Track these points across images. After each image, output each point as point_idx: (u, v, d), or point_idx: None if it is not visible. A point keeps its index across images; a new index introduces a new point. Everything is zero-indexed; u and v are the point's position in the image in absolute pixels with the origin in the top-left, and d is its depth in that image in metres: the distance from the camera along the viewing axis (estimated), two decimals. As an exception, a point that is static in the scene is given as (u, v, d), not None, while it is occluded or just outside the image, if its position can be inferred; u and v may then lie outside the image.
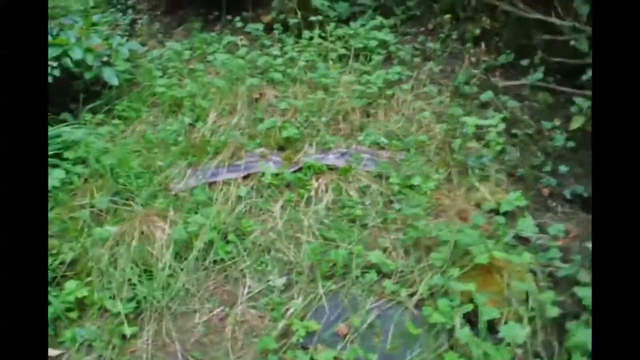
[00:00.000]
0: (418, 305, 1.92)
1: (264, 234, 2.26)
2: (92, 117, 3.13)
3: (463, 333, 1.77)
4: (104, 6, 5.09)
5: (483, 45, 3.76)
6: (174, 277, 2.11)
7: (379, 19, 3.87)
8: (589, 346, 1.68)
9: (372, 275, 2.01)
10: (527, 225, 2.17)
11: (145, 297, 2.04)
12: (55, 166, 2.68)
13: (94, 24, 3.50)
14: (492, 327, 1.82)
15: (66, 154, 2.75)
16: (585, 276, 2.02)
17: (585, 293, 1.84)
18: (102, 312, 2.05)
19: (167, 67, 3.56)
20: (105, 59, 3.31)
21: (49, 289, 2.11)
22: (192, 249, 2.18)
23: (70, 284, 2.08)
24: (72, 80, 3.38)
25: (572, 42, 2.98)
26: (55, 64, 3.03)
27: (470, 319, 1.85)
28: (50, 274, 2.18)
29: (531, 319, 1.86)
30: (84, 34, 3.23)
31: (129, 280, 2.07)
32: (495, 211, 2.29)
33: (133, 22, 4.70)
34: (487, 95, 3.14)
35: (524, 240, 2.22)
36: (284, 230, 2.28)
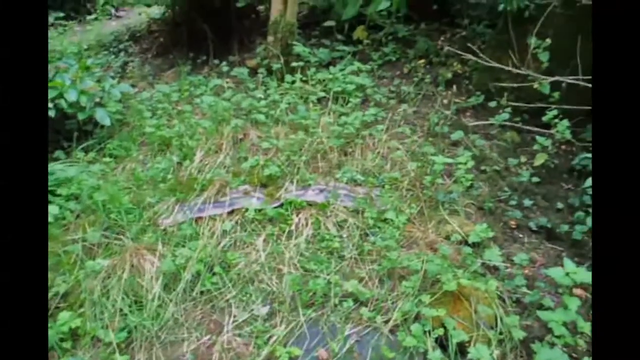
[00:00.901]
0: (393, 331, 2.04)
1: (248, 266, 2.37)
2: (84, 155, 3.25)
3: (435, 356, 1.89)
4: (97, 49, 5.25)
5: (454, 88, 4.00)
6: (163, 308, 2.20)
7: (357, 64, 4.08)
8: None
9: (350, 304, 2.13)
10: (493, 255, 2.32)
11: (136, 327, 2.12)
12: (50, 202, 2.78)
13: (87, 67, 3.65)
14: (462, 350, 1.95)
15: (59, 191, 2.85)
16: (549, 302, 2.17)
17: (548, 317, 1.97)
18: (95, 341, 2.12)
19: (156, 108, 3.70)
20: (97, 100, 3.45)
21: (41, 320, 2.18)
22: (180, 280, 2.28)
23: (63, 315, 2.15)
24: (65, 120, 3.51)
25: (535, 86, 3.23)
26: (51, 105, 3.16)
27: (442, 343, 1.98)
28: (42, 306, 2.25)
29: (500, 342, 1.99)
30: (78, 77, 3.38)
31: (121, 310, 2.15)
32: (464, 242, 2.43)
33: (125, 64, 4.86)
34: (458, 135, 3.34)
35: (491, 269, 2.37)
36: (266, 263, 2.39)
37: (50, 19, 6.30)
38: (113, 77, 4.27)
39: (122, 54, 5.10)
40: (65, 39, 5.52)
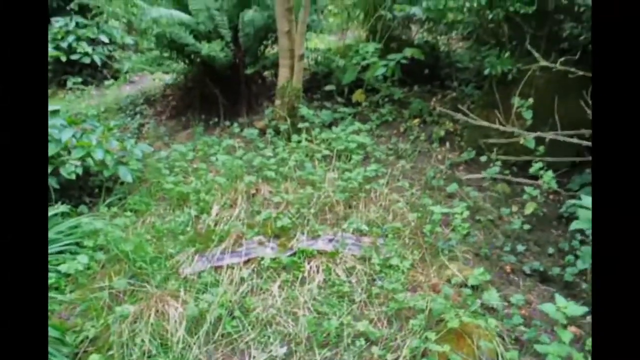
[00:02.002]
0: (402, 368, 2.17)
1: (265, 310, 2.51)
2: (107, 210, 3.43)
3: (441, 389, 2.01)
4: (114, 111, 5.56)
5: (447, 144, 4.27)
6: (188, 350, 2.32)
7: (357, 125, 4.36)
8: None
9: (361, 343, 2.27)
10: (492, 296, 2.48)
11: (161, 368, 2.24)
12: (77, 253, 2.94)
13: (110, 129, 3.90)
14: (466, 384, 2.07)
15: (86, 242, 3.03)
16: (546, 338, 2.31)
17: (545, 349, 2.10)
18: (122, 383, 2.23)
19: (173, 166, 3.92)
20: (120, 158, 3.68)
21: (73, 364, 2.30)
22: (203, 324, 2.41)
23: (93, 357, 2.27)
24: (89, 177, 3.72)
25: (521, 141, 3.48)
26: (78, 163, 3.38)
27: (447, 378, 2.10)
28: (73, 350, 2.37)
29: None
30: (104, 138, 3.62)
31: (148, 352, 2.27)
32: (464, 285, 2.59)
33: (141, 125, 5.14)
34: (453, 187, 3.56)
35: (490, 310, 2.52)
36: (282, 307, 2.53)
37: (69, 84, 6.65)
38: (130, 138, 4.53)
39: (137, 116, 5.39)
40: (83, 102, 5.84)
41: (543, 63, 3.48)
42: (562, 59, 3.43)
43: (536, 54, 3.60)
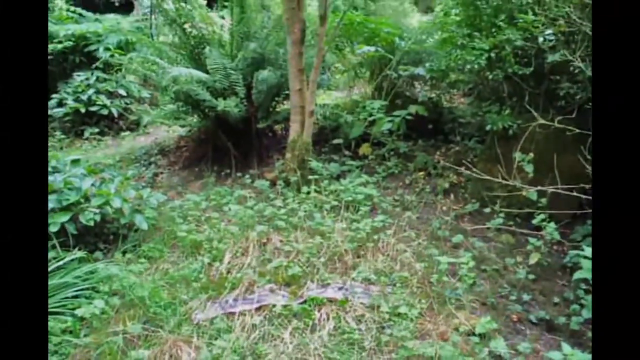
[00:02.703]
0: (412, 415, 2.18)
1: (277, 357, 2.54)
2: (122, 256, 3.51)
3: None
4: (129, 161, 5.73)
5: (452, 196, 4.38)
6: (200, 395, 2.34)
7: (364, 177, 4.49)
8: None
9: (372, 390, 2.29)
10: (499, 344, 2.51)
11: (175, 414, 2.25)
12: (92, 297, 3.00)
13: (128, 179, 4.04)
14: None
15: (101, 287, 3.09)
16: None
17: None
18: None
19: (187, 215, 4.03)
20: (136, 207, 3.79)
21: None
22: (216, 369, 2.44)
23: (108, 403, 2.30)
24: (105, 224, 3.82)
25: (523, 193, 3.59)
26: (97, 210, 3.49)
27: None
28: (87, 395, 2.40)
29: None
30: (122, 187, 3.76)
31: (163, 397, 2.29)
32: (471, 333, 2.63)
33: (155, 175, 5.29)
34: (458, 238, 3.63)
35: (497, 358, 2.54)
36: (294, 353, 2.56)
37: (86, 134, 6.89)
38: (145, 187, 4.67)
39: (152, 166, 5.56)
40: (100, 152, 6.03)
41: (541, 121, 3.64)
42: (560, 117, 3.59)
43: (535, 113, 3.76)
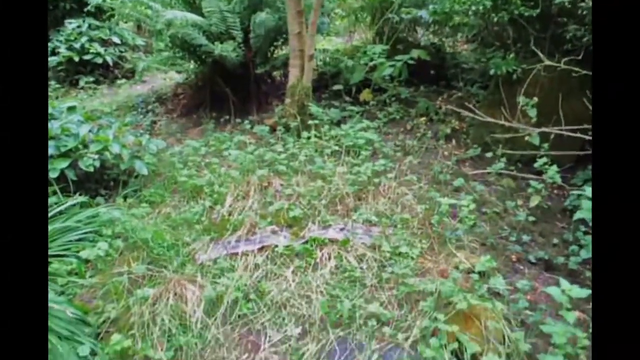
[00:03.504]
0: (413, 346, 2.25)
1: (280, 294, 2.59)
2: (123, 201, 3.53)
3: (451, 365, 2.09)
4: (126, 109, 5.68)
5: (453, 142, 4.36)
6: (206, 330, 2.41)
7: (365, 122, 4.46)
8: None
9: (373, 323, 2.35)
10: (498, 282, 2.55)
11: (181, 347, 2.32)
12: (96, 241, 3.03)
13: (126, 125, 4.01)
14: (474, 361, 2.15)
15: (104, 231, 3.12)
16: (551, 321, 2.38)
17: (551, 329, 2.17)
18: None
19: (187, 161, 4.02)
20: (135, 153, 3.78)
21: (95, 342, 2.38)
22: (220, 306, 2.50)
23: (115, 337, 2.35)
24: (105, 171, 3.82)
25: (526, 138, 3.58)
26: (96, 156, 3.48)
27: (457, 355, 2.18)
28: (95, 330, 2.46)
29: (508, 356, 2.19)
30: (121, 133, 3.73)
31: (168, 330, 2.36)
32: (471, 271, 2.67)
33: (153, 123, 5.25)
34: (459, 182, 3.64)
35: (496, 295, 2.60)
36: (296, 290, 2.62)
37: (81, 83, 6.78)
38: (142, 134, 4.63)
39: (149, 114, 5.51)
40: (96, 101, 5.96)
41: (547, 62, 3.58)
42: (566, 59, 3.53)
43: (540, 54, 3.69)
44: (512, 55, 4.26)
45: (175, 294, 2.57)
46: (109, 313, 2.50)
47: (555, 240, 3.13)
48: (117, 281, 2.67)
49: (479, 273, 2.65)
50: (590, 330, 2.35)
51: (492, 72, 4.24)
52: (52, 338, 2.27)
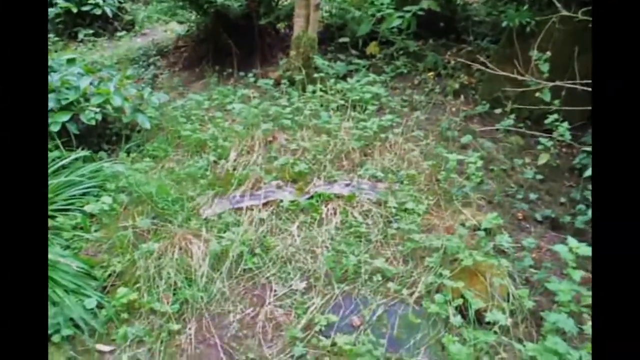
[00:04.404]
0: (417, 302, 2.26)
1: (285, 248, 2.60)
2: (126, 155, 3.49)
3: (456, 320, 2.11)
4: (127, 63, 5.56)
5: (462, 97, 4.26)
6: (211, 284, 2.42)
7: (372, 76, 4.35)
8: (560, 327, 2.01)
9: (378, 278, 2.36)
10: (504, 239, 2.55)
11: (187, 300, 2.34)
12: (100, 195, 3.02)
13: (128, 77, 3.92)
14: (479, 316, 2.16)
15: (108, 185, 3.10)
16: (556, 280, 2.38)
17: (555, 287, 2.18)
18: (149, 313, 2.34)
19: (190, 115, 3.96)
20: (137, 106, 3.72)
21: (101, 295, 2.41)
22: (225, 260, 2.51)
23: (121, 290, 2.38)
24: (106, 125, 3.77)
25: (537, 94, 3.48)
26: (97, 109, 3.42)
27: (462, 311, 2.20)
28: (101, 284, 2.48)
29: (512, 313, 2.20)
30: (122, 85, 3.65)
31: (174, 284, 2.38)
32: (477, 228, 2.66)
33: (154, 76, 5.15)
34: (467, 138, 3.58)
35: (502, 252, 2.60)
36: (301, 245, 2.62)
37: (80, 36, 6.62)
38: (144, 88, 4.55)
39: (151, 67, 5.40)
40: (96, 54, 5.83)
41: (564, 13, 3.44)
42: (584, 9, 3.38)
43: (558, 4, 3.54)
44: (525, 7, 4.10)
45: (181, 248, 2.58)
46: (114, 267, 2.52)
47: (563, 199, 3.11)
48: (122, 235, 2.67)
49: (485, 230, 2.63)
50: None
51: (504, 24, 4.09)
52: (58, 291, 2.29)
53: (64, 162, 3.20)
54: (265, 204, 2.91)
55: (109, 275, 2.51)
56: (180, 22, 5.32)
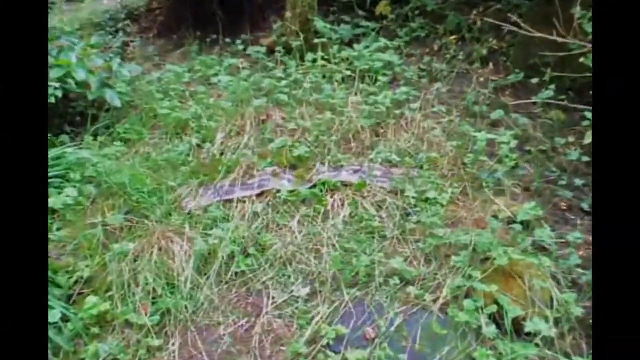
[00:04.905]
0: (442, 309, 2.23)
1: (284, 247, 2.57)
2: (93, 139, 3.45)
3: (490, 331, 2.07)
4: (91, 28, 5.51)
5: (491, 65, 4.21)
6: (197, 290, 2.39)
7: (383, 41, 4.30)
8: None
9: (395, 282, 2.32)
10: (545, 234, 2.51)
11: (168, 310, 2.31)
12: (63, 186, 2.98)
13: (92, 46, 3.87)
14: (516, 326, 2.13)
15: (72, 175, 3.06)
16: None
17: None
18: (123, 326, 2.30)
19: (167, 90, 3.93)
20: (105, 80, 3.67)
21: (66, 305, 2.38)
22: (213, 262, 2.48)
23: (90, 299, 2.34)
24: (69, 103, 3.73)
25: (581, 59, 3.42)
26: (57, 84, 3.36)
27: (496, 320, 2.16)
28: (66, 292, 2.45)
29: (556, 322, 2.17)
30: (84, 56, 3.60)
31: (153, 291, 2.34)
32: (512, 221, 2.62)
33: (124, 44, 5.11)
34: (498, 114, 3.53)
35: (542, 249, 2.56)
36: (303, 243, 2.59)
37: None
38: (112, 58, 4.49)
39: (120, 33, 5.35)
40: (55, 18, 5.76)
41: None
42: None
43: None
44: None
45: (160, 248, 2.54)
46: (81, 272, 2.49)
47: (614, 184, 3.06)
48: (90, 234, 2.64)
49: (522, 223, 2.60)
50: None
51: (540, -24, 4.02)
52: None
53: (18, 147, 3.15)
54: (259, 195, 2.88)
55: (75, 281, 2.48)
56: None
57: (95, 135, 3.53)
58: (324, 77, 3.96)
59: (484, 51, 4.30)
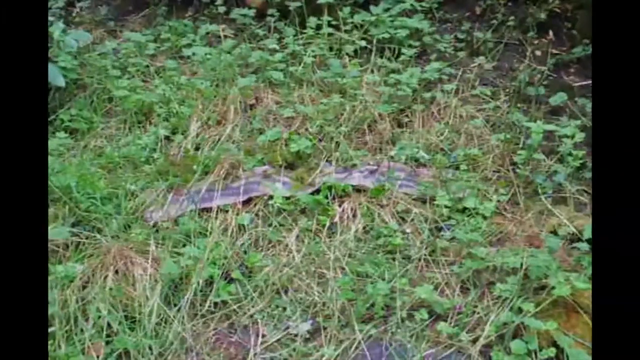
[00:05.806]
0: (484, 352, 2.28)
1: (278, 271, 2.62)
2: (29, 129, 3.51)
3: (546, 381, 2.13)
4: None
5: (551, 34, 4.25)
6: (165, 326, 2.44)
7: (409, 2, 4.33)
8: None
9: (423, 316, 2.38)
10: (618, 255, 2.55)
11: (127, 351, 2.36)
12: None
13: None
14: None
15: None
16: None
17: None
18: (70, 371, 2.36)
19: (126, 64, 3.99)
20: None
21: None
22: (186, 290, 2.53)
23: (26, 336, 2.40)
24: (-1, 82, 3.79)
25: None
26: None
27: (554, 367, 2.21)
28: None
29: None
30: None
31: (109, 326, 2.40)
32: (576, 239, 2.67)
33: (69, 5, 5.14)
34: (560, 98, 3.58)
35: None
36: (303, 266, 2.64)
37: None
38: (52, 23, 4.54)
39: (62, -9, 5.39)
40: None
41: None
42: None
43: None
44: None
45: (117, 271, 2.60)
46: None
47: None
48: (25, 252, 2.69)
49: (589, 241, 2.64)
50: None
51: None
52: None
53: None
54: (246, 202, 2.94)
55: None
56: None
57: (32, 124, 3.59)
58: (331, 49, 4.00)
59: (543, 15, 4.33)
